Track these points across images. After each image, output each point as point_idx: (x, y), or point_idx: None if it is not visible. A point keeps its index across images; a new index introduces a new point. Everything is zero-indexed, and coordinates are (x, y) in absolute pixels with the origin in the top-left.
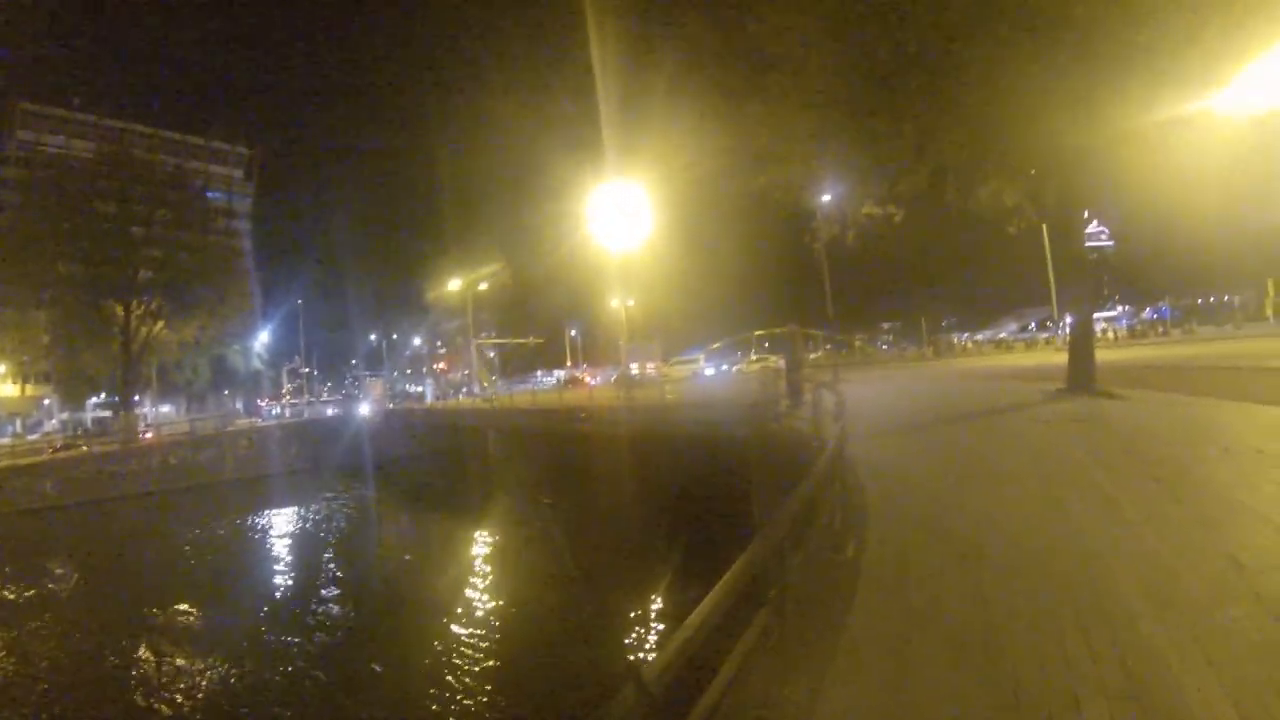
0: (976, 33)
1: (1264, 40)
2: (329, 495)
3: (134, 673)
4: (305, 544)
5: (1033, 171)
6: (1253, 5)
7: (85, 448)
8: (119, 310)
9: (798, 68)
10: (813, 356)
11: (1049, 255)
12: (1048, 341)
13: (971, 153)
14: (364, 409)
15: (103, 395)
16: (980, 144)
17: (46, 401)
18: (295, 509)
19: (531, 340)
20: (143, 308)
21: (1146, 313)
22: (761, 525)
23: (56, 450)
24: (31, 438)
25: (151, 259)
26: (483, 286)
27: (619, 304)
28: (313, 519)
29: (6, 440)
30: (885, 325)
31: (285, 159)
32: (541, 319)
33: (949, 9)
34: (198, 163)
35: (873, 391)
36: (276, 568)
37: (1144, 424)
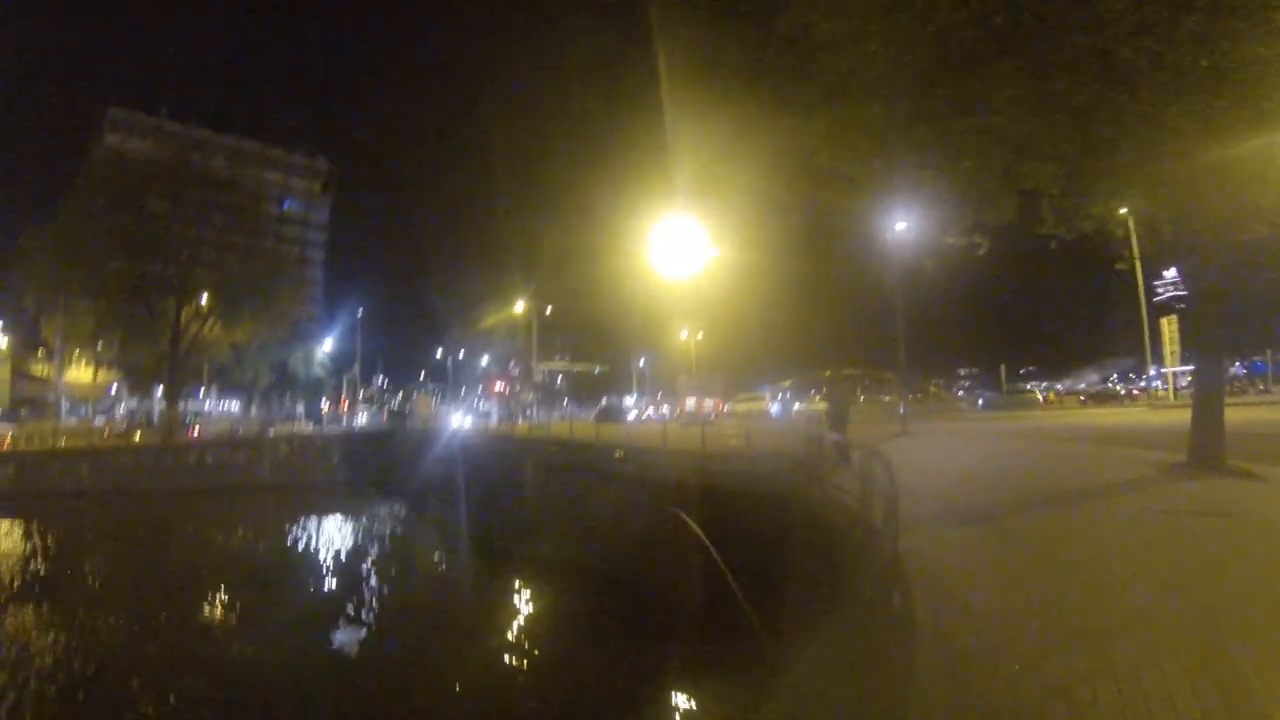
0: None
1: None
2: (351, 511)
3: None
4: (306, 562)
5: (1159, 194)
6: None
7: (138, 437)
8: (170, 307)
9: (852, 46)
10: (886, 400)
11: (1142, 296)
12: (1145, 393)
13: (1076, 172)
14: (414, 425)
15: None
16: (1086, 161)
17: (114, 388)
18: (314, 519)
19: (597, 368)
20: (192, 307)
21: (1236, 368)
22: None
23: (105, 438)
24: (97, 423)
25: (201, 260)
26: (548, 310)
27: (686, 336)
28: (328, 536)
29: (73, 421)
30: (962, 371)
31: (366, 178)
32: (611, 347)
33: None
34: (275, 174)
35: (944, 450)
36: (255, 580)
37: None
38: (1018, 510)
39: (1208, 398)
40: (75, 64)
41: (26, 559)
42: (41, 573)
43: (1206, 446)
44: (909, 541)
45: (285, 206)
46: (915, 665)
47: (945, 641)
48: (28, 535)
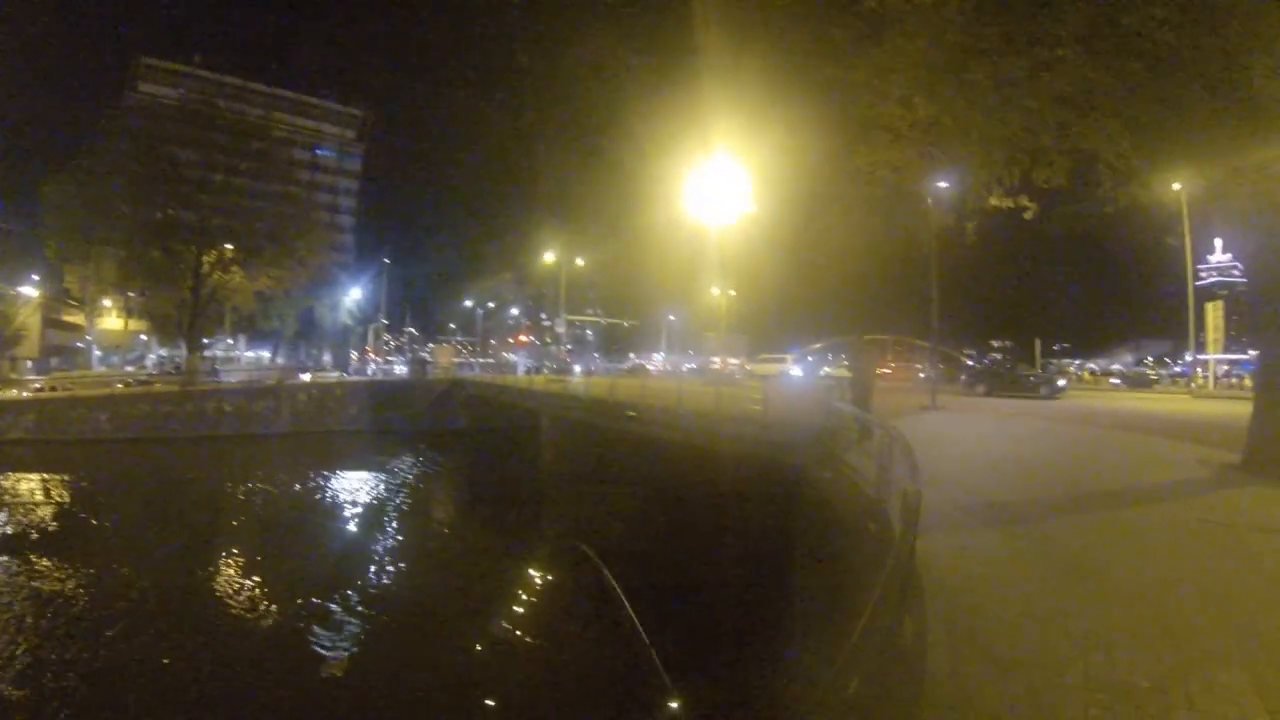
0: None
1: None
2: (356, 458)
3: None
4: (303, 513)
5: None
6: None
7: (159, 385)
8: (191, 254)
9: None
10: (917, 369)
11: (1189, 276)
12: (1183, 379)
13: (1142, 128)
14: (434, 375)
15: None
16: (1152, 126)
17: (144, 337)
18: (320, 468)
19: (626, 322)
20: (213, 253)
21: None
22: None
23: (127, 386)
24: (128, 369)
25: (223, 207)
26: (579, 262)
27: (717, 293)
28: (335, 487)
29: (103, 369)
30: (995, 343)
31: (401, 127)
32: (642, 301)
33: None
34: (308, 121)
35: (972, 429)
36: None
37: None
38: (1055, 512)
39: (1271, 389)
40: (107, 14)
41: (26, 507)
42: (36, 521)
43: (1269, 447)
44: (929, 544)
45: (317, 154)
46: None
47: (957, 666)
48: (40, 484)
